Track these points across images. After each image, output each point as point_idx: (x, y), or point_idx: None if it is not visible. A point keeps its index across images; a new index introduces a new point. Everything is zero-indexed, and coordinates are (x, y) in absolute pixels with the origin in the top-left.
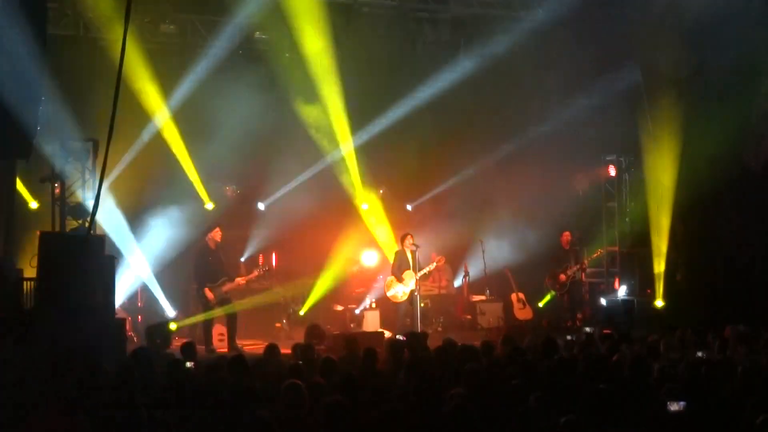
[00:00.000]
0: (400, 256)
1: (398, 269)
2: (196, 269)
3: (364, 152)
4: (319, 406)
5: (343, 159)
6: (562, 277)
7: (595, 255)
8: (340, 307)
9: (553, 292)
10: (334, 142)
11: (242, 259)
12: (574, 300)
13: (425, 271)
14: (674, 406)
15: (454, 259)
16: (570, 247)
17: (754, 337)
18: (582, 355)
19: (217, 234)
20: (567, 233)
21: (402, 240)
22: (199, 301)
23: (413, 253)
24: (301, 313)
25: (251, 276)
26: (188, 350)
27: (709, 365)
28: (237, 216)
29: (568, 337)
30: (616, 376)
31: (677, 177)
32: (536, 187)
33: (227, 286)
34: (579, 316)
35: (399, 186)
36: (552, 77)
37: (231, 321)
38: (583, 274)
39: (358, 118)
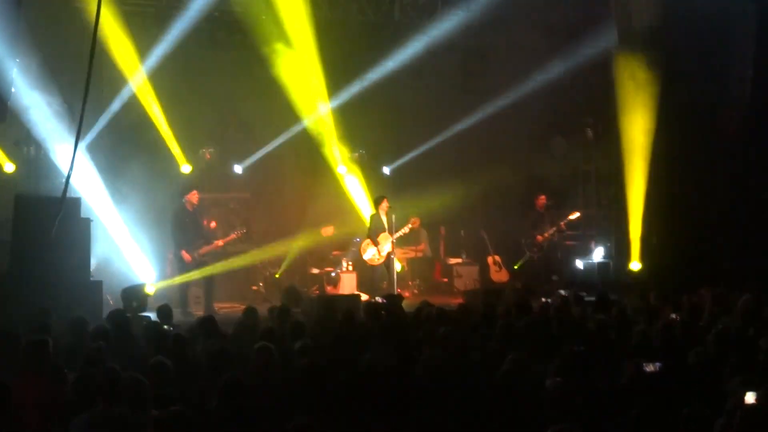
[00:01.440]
0: (375, 219)
1: (374, 232)
2: (172, 232)
3: (341, 115)
4: (293, 369)
5: (320, 122)
6: (538, 238)
7: (572, 217)
8: (316, 270)
9: (528, 255)
10: (312, 105)
11: (218, 222)
12: (550, 262)
13: (400, 233)
14: (650, 367)
15: (433, 223)
16: (545, 210)
17: (727, 299)
18: (557, 318)
19: (194, 197)
20: (542, 196)
21: (377, 203)
22: (175, 263)
23: (388, 216)
24: (278, 275)
25: (228, 238)
26: (164, 313)
27: (684, 327)
28: (214, 179)
29: (544, 300)
30: (591, 337)
31: (653, 139)
32: (513, 150)
33: (204, 249)
34: (554, 278)
35: (376, 149)
36: (529, 40)
37: (208, 283)
38: (559, 236)
39: (335, 81)
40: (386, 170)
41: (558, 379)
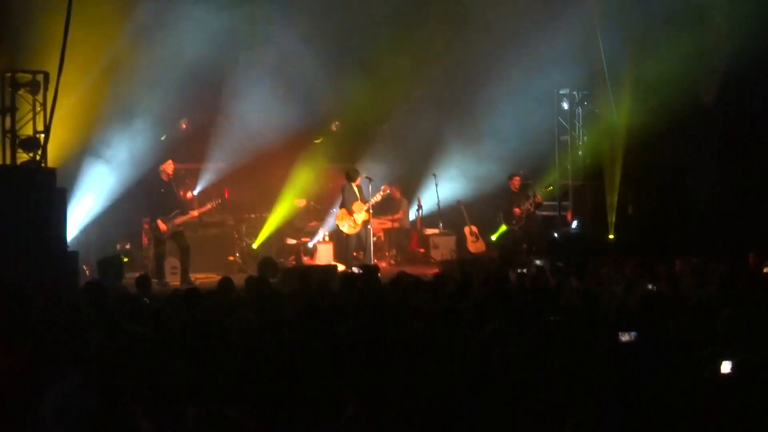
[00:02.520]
0: (347, 189)
1: (347, 202)
2: (148, 201)
3: (318, 85)
4: (272, 342)
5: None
6: (516, 210)
7: (547, 188)
8: (293, 241)
9: (505, 226)
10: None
11: (195, 192)
12: (528, 233)
13: (372, 201)
14: (625, 337)
15: (409, 193)
16: (520, 189)
17: (703, 269)
18: (533, 287)
19: (169, 166)
20: (516, 177)
21: (348, 174)
22: (151, 233)
23: (359, 186)
24: (254, 246)
25: (204, 208)
26: (142, 284)
27: (660, 297)
28: (190, 148)
29: (520, 270)
30: (566, 308)
31: (629, 110)
32: (489, 120)
33: (180, 219)
34: (531, 248)
35: (352, 120)
36: (504, 9)
37: (184, 254)
38: (536, 208)
39: (315, 51)
40: (362, 141)
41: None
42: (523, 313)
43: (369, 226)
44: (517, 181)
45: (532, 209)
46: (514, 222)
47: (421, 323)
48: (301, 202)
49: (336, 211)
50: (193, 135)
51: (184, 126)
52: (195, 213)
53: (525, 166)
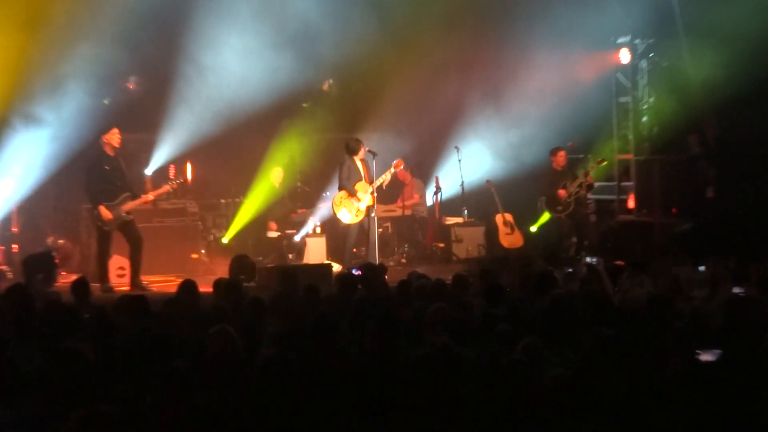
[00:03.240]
0: (349, 165)
1: (347, 181)
2: (88, 183)
3: (307, 36)
4: (255, 362)
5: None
6: (562, 193)
7: (600, 163)
8: (274, 233)
9: (548, 213)
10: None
11: (148, 171)
12: (577, 223)
13: (381, 179)
14: (706, 356)
15: (424, 172)
16: (567, 166)
17: None
18: (584, 293)
19: (114, 137)
20: (561, 152)
21: (351, 150)
22: (92, 224)
23: (365, 162)
24: (225, 240)
25: (160, 191)
26: (81, 289)
27: (750, 304)
28: (141, 115)
29: (568, 270)
30: (628, 318)
31: (709, 63)
32: (527, 79)
33: (129, 205)
34: (582, 242)
35: (351, 79)
36: None
37: (134, 250)
38: (587, 190)
39: None
40: (363, 105)
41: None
42: (570, 325)
43: (373, 214)
44: (562, 157)
45: (583, 192)
46: (559, 208)
47: (439, 339)
48: (277, 176)
49: (330, 194)
50: (146, 97)
51: (131, 86)
52: (149, 197)
53: (573, 137)
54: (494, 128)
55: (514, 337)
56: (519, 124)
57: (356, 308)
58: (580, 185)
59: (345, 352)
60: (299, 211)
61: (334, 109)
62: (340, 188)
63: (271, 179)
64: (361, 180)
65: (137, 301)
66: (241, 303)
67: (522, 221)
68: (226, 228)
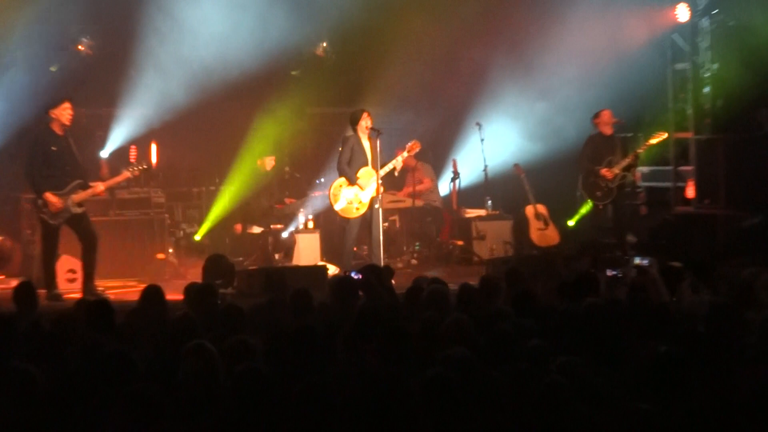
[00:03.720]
0: (352, 145)
1: (348, 165)
2: (30, 167)
3: None
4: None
5: None
6: (605, 174)
7: (654, 140)
8: (257, 229)
9: (590, 202)
10: None
11: (105, 154)
12: (623, 214)
13: (391, 165)
14: None
15: (439, 155)
16: (614, 133)
17: None
18: (631, 301)
19: (64, 112)
20: (607, 112)
21: (354, 121)
22: (35, 217)
23: (372, 140)
24: (197, 237)
25: (118, 178)
26: (24, 296)
27: None
28: (97, 85)
29: (612, 272)
30: (686, 332)
31: None
32: (563, 43)
33: (80, 195)
34: (630, 239)
35: (350, 42)
36: None
37: (87, 250)
38: (637, 173)
39: None
40: (365, 72)
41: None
42: (617, 340)
43: (378, 206)
44: (607, 117)
45: (632, 176)
46: (598, 194)
47: (456, 357)
48: (269, 162)
49: (326, 181)
50: (101, 64)
51: (84, 49)
52: (104, 187)
53: (619, 112)
54: (524, 102)
55: (548, 355)
56: (554, 98)
57: (356, 320)
58: (628, 167)
59: (341, 372)
60: (287, 201)
61: (330, 79)
62: (340, 174)
63: (260, 165)
64: (366, 165)
65: (99, 309)
66: (216, 313)
67: (558, 214)
68: (200, 222)
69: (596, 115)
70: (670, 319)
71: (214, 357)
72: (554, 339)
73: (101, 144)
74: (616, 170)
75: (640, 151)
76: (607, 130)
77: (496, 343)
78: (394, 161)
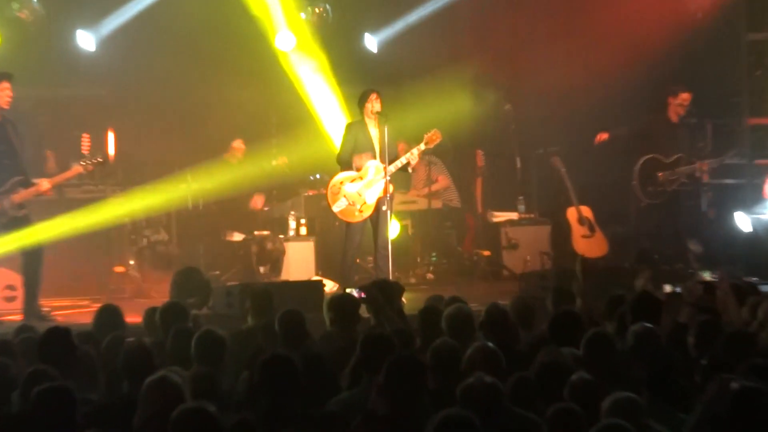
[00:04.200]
0: (356, 131)
1: (352, 156)
2: None
3: None
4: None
5: None
6: (666, 177)
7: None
8: (238, 236)
9: (642, 200)
10: None
11: (50, 145)
12: (683, 217)
13: (404, 159)
14: None
15: (459, 144)
16: (682, 118)
17: None
18: (699, 324)
19: (2, 94)
20: (687, 95)
21: (360, 103)
22: None
23: (381, 126)
24: (164, 247)
25: (67, 174)
26: None
27: None
28: (41, 61)
29: (671, 289)
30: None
31: None
32: (611, 7)
33: (22, 194)
34: (694, 248)
35: (354, 2)
36: None
37: (30, 262)
38: (705, 171)
39: None
40: (373, 41)
41: None
42: (681, 373)
43: (386, 208)
44: (683, 99)
45: (701, 174)
46: (650, 188)
47: (478, 392)
48: (238, 148)
49: (321, 176)
50: (49, 32)
51: (24, 15)
52: (49, 182)
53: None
54: (563, 78)
55: (596, 392)
56: (599, 74)
57: (360, 348)
58: (693, 175)
59: (341, 411)
60: (273, 203)
61: (330, 47)
62: (341, 167)
63: (229, 155)
64: (373, 156)
65: (53, 336)
66: (187, 339)
67: (606, 217)
68: (167, 227)
69: (673, 93)
70: (746, 348)
71: (181, 393)
72: (604, 372)
73: (47, 132)
74: (681, 168)
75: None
76: (672, 115)
77: (531, 378)
78: (408, 154)
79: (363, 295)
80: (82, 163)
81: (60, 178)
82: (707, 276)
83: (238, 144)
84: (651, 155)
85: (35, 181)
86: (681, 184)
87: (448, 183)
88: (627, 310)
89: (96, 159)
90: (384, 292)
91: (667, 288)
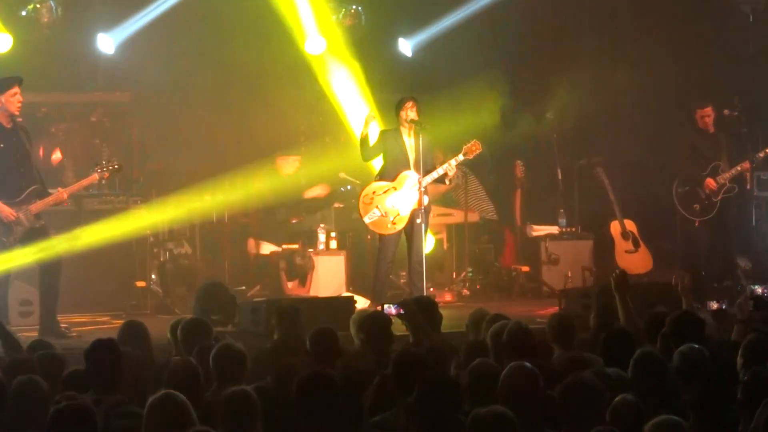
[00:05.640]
0: (391, 140)
1: (387, 167)
2: None
3: None
4: None
5: None
6: (711, 183)
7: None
8: (266, 248)
9: (685, 215)
10: None
11: (68, 154)
12: (730, 231)
13: (442, 170)
14: None
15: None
16: (719, 128)
17: None
18: (748, 344)
19: (13, 99)
20: (707, 109)
21: (397, 110)
22: None
23: (416, 135)
24: (187, 260)
25: (84, 182)
26: None
27: None
28: (54, 62)
29: (717, 305)
30: None
31: None
32: (659, 9)
33: (38, 204)
34: (743, 264)
35: (388, 5)
36: None
37: (48, 276)
38: (748, 170)
39: None
40: (408, 45)
41: None
42: (729, 396)
43: (420, 220)
44: (709, 112)
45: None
46: (696, 206)
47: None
48: (293, 163)
49: (352, 188)
50: (64, 33)
51: (47, 19)
52: (66, 191)
53: (727, 98)
54: (607, 85)
55: (642, 415)
56: (646, 79)
57: (393, 367)
58: (743, 173)
59: None
60: (301, 215)
61: (364, 51)
62: (375, 177)
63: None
64: (408, 167)
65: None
66: (209, 357)
67: (651, 231)
68: (190, 240)
69: (698, 107)
70: None
71: (189, 415)
72: (650, 394)
73: (64, 140)
74: (724, 178)
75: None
76: (707, 126)
77: (571, 398)
78: (445, 165)
79: (401, 311)
80: (98, 169)
81: (76, 186)
82: (757, 288)
83: (293, 159)
84: (684, 175)
85: (51, 191)
86: (728, 190)
87: (477, 199)
88: (667, 330)
89: (112, 165)
90: (420, 308)
91: (714, 305)
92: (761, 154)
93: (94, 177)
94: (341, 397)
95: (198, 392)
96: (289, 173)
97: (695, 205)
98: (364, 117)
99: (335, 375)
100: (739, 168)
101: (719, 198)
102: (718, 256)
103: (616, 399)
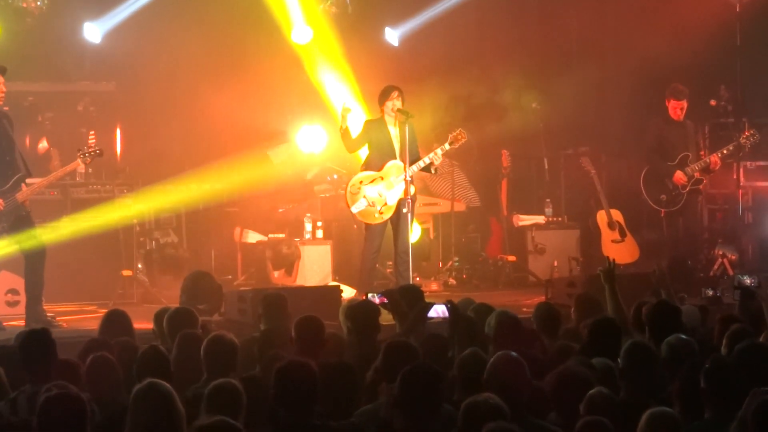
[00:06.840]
0: (376, 130)
1: (372, 157)
2: None
3: None
4: None
5: None
6: (680, 180)
7: (746, 139)
8: (253, 238)
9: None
10: None
11: (54, 143)
12: (695, 224)
13: (428, 159)
14: None
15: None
16: (687, 122)
17: None
18: (734, 333)
19: None
20: (680, 88)
21: (381, 100)
22: None
23: (402, 125)
24: (173, 249)
25: (66, 169)
26: None
27: None
28: (40, 51)
29: (712, 293)
30: None
31: None
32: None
33: (24, 192)
34: (728, 254)
35: None
36: None
37: (32, 265)
38: (717, 162)
39: None
40: (393, 35)
41: None
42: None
43: (406, 210)
44: (681, 93)
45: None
46: (663, 197)
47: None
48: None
49: (337, 176)
50: (50, 18)
51: (32, 3)
52: (46, 183)
53: (714, 90)
54: (594, 75)
55: (640, 408)
56: (632, 70)
57: (382, 356)
58: (708, 169)
59: (362, 423)
60: (288, 204)
61: (349, 41)
62: (362, 166)
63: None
64: (393, 157)
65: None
66: (197, 346)
67: (637, 221)
68: (176, 229)
69: (674, 99)
70: None
71: (174, 404)
72: (644, 384)
73: (51, 129)
74: (692, 171)
75: (746, 138)
76: (677, 114)
77: (561, 388)
78: (431, 154)
79: (384, 301)
80: (80, 155)
81: (61, 172)
82: (745, 278)
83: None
84: (649, 166)
85: (37, 179)
86: (696, 182)
87: (466, 184)
88: (645, 320)
89: (95, 150)
90: (405, 298)
91: (709, 292)
92: (725, 151)
93: (76, 164)
94: (322, 387)
95: (167, 380)
96: (283, 161)
97: (662, 196)
98: (341, 111)
99: (313, 364)
100: (707, 160)
101: (687, 190)
102: (685, 247)
103: (591, 391)
